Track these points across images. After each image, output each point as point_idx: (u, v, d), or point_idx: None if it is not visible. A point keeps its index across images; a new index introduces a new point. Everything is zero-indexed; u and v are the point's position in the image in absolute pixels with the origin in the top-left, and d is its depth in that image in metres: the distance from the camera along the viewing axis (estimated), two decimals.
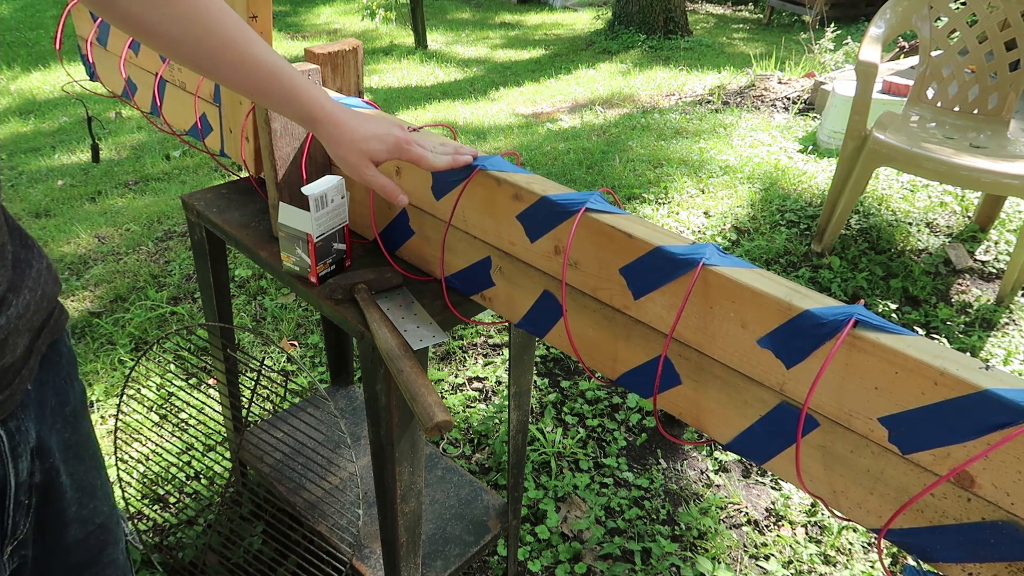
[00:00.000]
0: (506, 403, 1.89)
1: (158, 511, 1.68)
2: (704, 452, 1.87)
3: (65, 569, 0.73)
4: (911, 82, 3.03)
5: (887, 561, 1.57)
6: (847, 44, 5.10)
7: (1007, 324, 2.27)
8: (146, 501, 1.69)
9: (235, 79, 0.76)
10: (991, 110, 2.66)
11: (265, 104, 0.81)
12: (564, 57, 7.13)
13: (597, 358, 0.83)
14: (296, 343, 2.28)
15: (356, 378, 1.86)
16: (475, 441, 1.92)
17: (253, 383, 1.26)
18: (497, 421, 1.97)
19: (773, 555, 1.59)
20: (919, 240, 2.71)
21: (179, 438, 1.61)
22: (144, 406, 1.90)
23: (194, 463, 1.77)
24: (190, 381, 2.08)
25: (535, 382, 2.10)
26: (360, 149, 0.81)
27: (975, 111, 2.69)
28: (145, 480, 1.70)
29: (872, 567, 1.56)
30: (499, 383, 2.11)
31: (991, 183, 2.22)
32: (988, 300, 2.38)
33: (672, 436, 1.11)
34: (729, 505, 1.71)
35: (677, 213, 2.96)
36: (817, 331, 0.60)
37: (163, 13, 0.69)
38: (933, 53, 2.70)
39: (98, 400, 2.01)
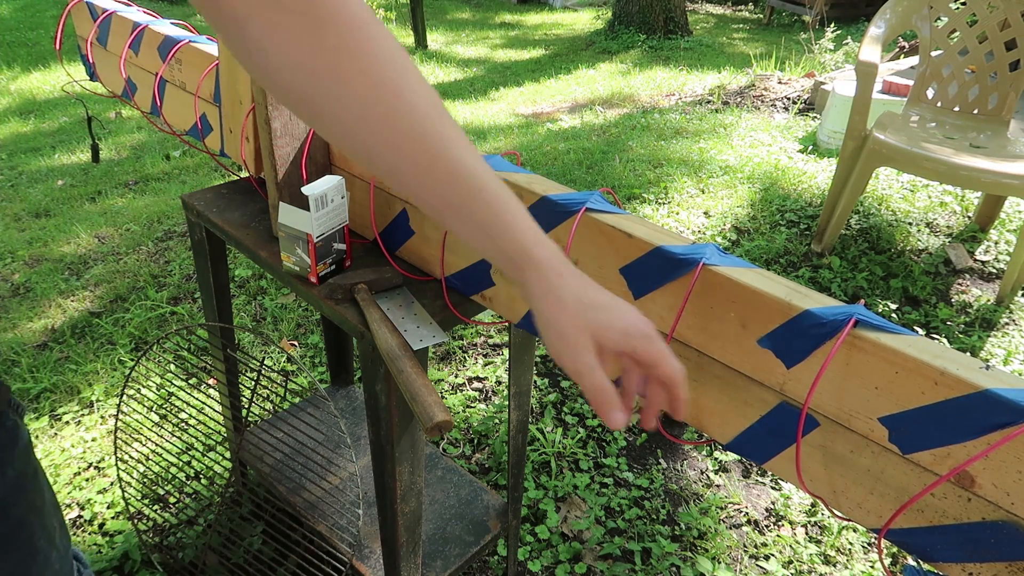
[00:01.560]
0: (506, 403, 1.89)
1: (158, 511, 1.68)
2: (704, 452, 1.86)
3: None
4: (911, 82, 3.03)
5: (887, 561, 1.57)
6: (847, 44, 5.10)
7: (1007, 324, 2.27)
8: (146, 501, 1.69)
9: (419, 185, 0.54)
10: (991, 110, 2.66)
11: (454, 225, 0.56)
12: (564, 57, 7.13)
13: None
14: (296, 343, 2.28)
15: (356, 378, 1.86)
16: (475, 441, 1.92)
17: (253, 383, 1.26)
18: (497, 421, 1.97)
19: (773, 555, 1.59)
20: (919, 240, 2.71)
21: (179, 438, 1.61)
22: (144, 406, 1.90)
23: (194, 463, 1.77)
24: (190, 381, 2.08)
25: (535, 382, 2.10)
26: (587, 319, 0.54)
27: (975, 111, 2.69)
28: (145, 480, 1.70)
29: (872, 567, 1.56)
30: (499, 383, 2.11)
31: (991, 183, 2.22)
32: (988, 300, 2.38)
33: (672, 436, 1.11)
34: (729, 505, 1.71)
35: (677, 213, 2.96)
36: (817, 331, 0.60)
37: (337, 90, 0.50)
38: (933, 53, 2.70)
39: (98, 400, 2.01)
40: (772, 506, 1.71)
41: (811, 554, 1.58)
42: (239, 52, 0.51)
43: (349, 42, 0.50)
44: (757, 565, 1.57)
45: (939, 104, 2.75)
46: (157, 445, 1.43)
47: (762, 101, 4.49)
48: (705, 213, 2.97)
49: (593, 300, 0.55)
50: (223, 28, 0.50)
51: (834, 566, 1.56)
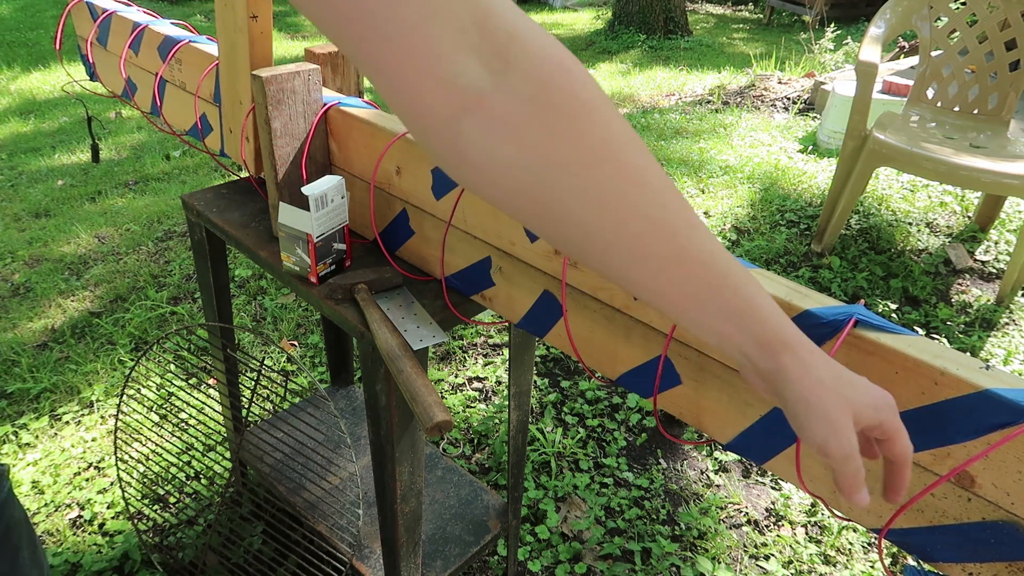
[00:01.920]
0: (506, 403, 1.89)
1: (158, 511, 1.68)
2: (704, 452, 1.86)
3: None
4: (911, 82, 3.03)
5: (887, 561, 1.57)
6: (847, 44, 5.10)
7: (1007, 324, 2.27)
8: (146, 501, 1.69)
9: (666, 280, 0.48)
10: (991, 110, 2.66)
11: (697, 317, 0.50)
12: None
13: (597, 358, 0.83)
14: (296, 343, 2.28)
15: (356, 378, 1.86)
16: (475, 441, 1.92)
17: (253, 383, 1.26)
18: (497, 421, 1.97)
19: (773, 555, 1.59)
20: (919, 240, 2.71)
21: (179, 438, 1.61)
22: (144, 406, 1.90)
23: (194, 463, 1.77)
24: (190, 381, 2.08)
25: (535, 382, 2.10)
26: (846, 397, 0.50)
27: (975, 111, 2.69)
28: (145, 480, 1.70)
29: (872, 567, 1.56)
30: (499, 383, 2.11)
31: (991, 183, 2.22)
32: (988, 300, 2.38)
33: (672, 436, 1.11)
34: (729, 505, 1.71)
35: None
36: (817, 331, 0.60)
37: (576, 184, 0.44)
38: (933, 53, 2.70)
39: (98, 400, 2.01)
40: (772, 506, 1.71)
41: (811, 554, 1.58)
42: (448, 157, 0.44)
43: (588, 127, 0.43)
44: (757, 565, 1.57)
45: (939, 104, 2.75)
46: (157, 445, 1.43)
47: (762, 101, 4.49)
48: (705, 213, 2.97)
49: (844, 377, 0.51)
50: (426, 129, 0.43)
51: (834, 566, 1.56)
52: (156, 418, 1.95)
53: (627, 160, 0.45)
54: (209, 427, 1.46)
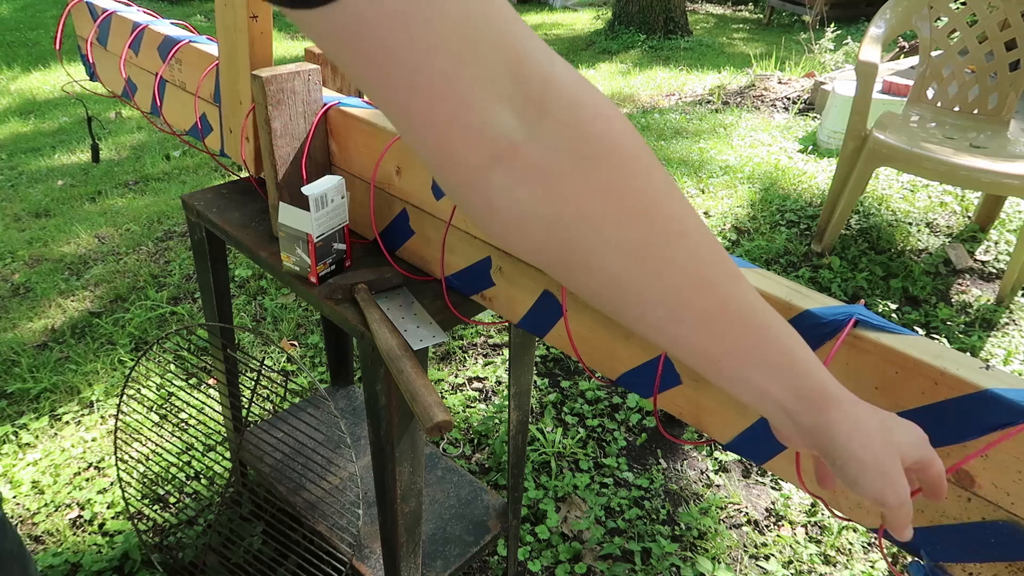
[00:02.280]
0: (506, 403, 1.89)
1: (158, 511, 1.68)
2: (704, 452, 1.86)
3: None
4: (911, 82, 3.03)
5: (888, 558, 1.57)
6: (847, 44, 5.10)
7: (1007, 324, 2.27)
8: (146, 501, 1.69)
9: (705, 334, 0.46)
10: (991, 110, 2.66)
11: (737, 372, 0.48)
12: (564, 57, 7.11)
13: (597, 358, 0.83)
14: (296, 343, 2.28)
15: (356, 378, 1.86)
16: (475, 441, 1.92)
17: (253, 383, 1.26)
18: (497, 421, 1.97)
19: (773, 555, 1.59)
20: (919, 240, 2.71)
21: (179, 438, 1.61)
22: (144, 406, 1.90)
23: (194, 463, 1.77)
24: (190, 381, 2.08)
25: (535, 382, 2.10)
26: (894, 445, 0.49)
27: (975, 111, 2.69)
28: (145, 480, 1.70)
29: (872, 567, 1.56)
30: (499, 383, 2.11)
31: (991, 183, 2.22)
32: (988, 300, 2.38)
33: (672, 436, 1.11)
34: (729, 505, 1.71)
35: None
36: (817, 331, 0.60)
37: (609, 236, 0.42)
38: (933, 53, 2.70)
39: (98, 400, 2.01)
40: (772, 506, 1.71)
41: (811, 554, 1.58)
42: (477, 208, 0.42)
43: (625, 178, 0.41)
44: (757, 565, 1.57)
45: (939, 104, 2.75)
46: (157, 445, 1.43)
47: (762, 101, 4.49)
48: (705, 213, 2.97)
49: (887, 423, 0.50)
50: (455, 179, 0.41)
51: (834, 566, 1.56)
52: (156, 418, 1.95)
53: (666, 212, 0.43)
54: (209, 427, 1.46)
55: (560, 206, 0.41)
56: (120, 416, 1.47)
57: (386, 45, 0.35)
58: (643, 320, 0.46)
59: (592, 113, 0.41)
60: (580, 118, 0.40)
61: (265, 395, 1.83)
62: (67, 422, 1.94)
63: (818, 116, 4.07)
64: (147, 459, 1.57)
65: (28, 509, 1.68)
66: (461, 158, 0.39)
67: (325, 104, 1.04)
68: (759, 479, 1.79)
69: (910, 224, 2.82)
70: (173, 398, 1.97)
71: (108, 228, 3.10)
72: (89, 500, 1.69)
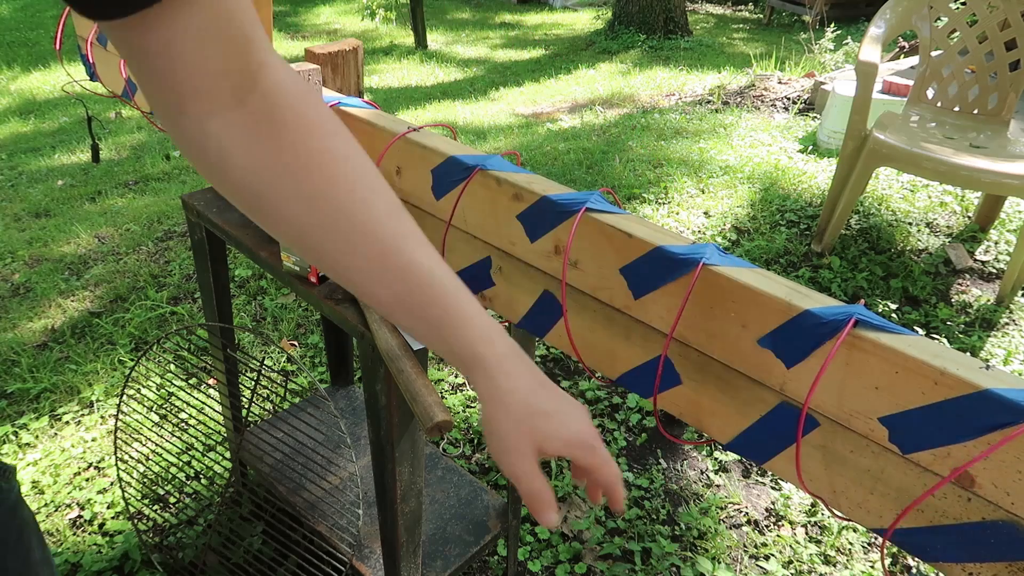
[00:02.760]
0: None
1: (158, 511, 1.68)
2: (704, 452, 1.86)
3: None
4: (911, 82, 3.03)
5: (887, 561, 1.57)
6: (847, 44, 5.10)
7: (1007, 324, 2.27)
8: (146, 501, 1.69)
9: (371, 282, 0.54)
10: (991, 110, 2.66)
11: (404, 321, 0.56)
12: (564, 57, 7.13)
13: (597, 358, 0.83)
14: (296, 343, 2.28)
15: (356, 378, 1.86)
16: (475, 441, 1.92)
17: (253, 383, 1.26)
18: None
19: (773, 555, 1.59)
20: (919, 240, 2.71)
21: (179, 438, 1.61)
22: (144, 406, 1.90)
23: (194, 463, 1.77)
24: (190, 381, 2.08)
25: None
26: (531, 426, 0.54)
27: (975, 111, 2.69)
28: (145, 480, 1.70)
29: (872, 567, 1.56)
30: None
31: (991, 183, 2.22)
32: (988, 300, 2.38)
33: (672, 436, 1.11)
34: (729, 505, 1.71)
35: (677, 213, 2.96)
36: (817, 331, 0.60)
37: (290, 188, 0.51)
38: (933, 53, 2.70)
39: (98, 400, 2.01)
40: (772, 506, 1.71)
41: (811, 554, 1.58)
42: (191, 145, 0.51)
43: (307, 141, 0.52)
44: (757, 565, 1.57)
45: (939, 104, 2.75)
46: (157, 445, 1.43)
47: (762, 101, 4.49)
48: (705, 213, 2.97)
49: (540, 407, 0.54)
50: (177, 117, 0.49)
51: (834, 566, 1.56)
52: (156, 418, 1.95)
53: (340, 172, 0.53)
54: (209, 427, 1.46)
55: (255, 158, 0.51)
56: (120, 416, 1.47)
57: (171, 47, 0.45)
58: (322, 260, 0.54)
59: (290, 92, 0.52)
60: (280, 93, 0.51)
61: (265, 395, 1.83)
62: (67, 422, 1.94)
63: (818, 116, 4.07)
64: (147, 459, 1.57)
65: None
66: (188, 107, 0.48)
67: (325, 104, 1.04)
68: (759, 479, 1.79)
69: (910, 224, 2.82)
70: (173, 398, 1.97)
71: (108, 228, 3.10)
72: (89, 500, 1.69)
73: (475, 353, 0.54)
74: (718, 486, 1.77)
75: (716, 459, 1.84)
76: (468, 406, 2.03)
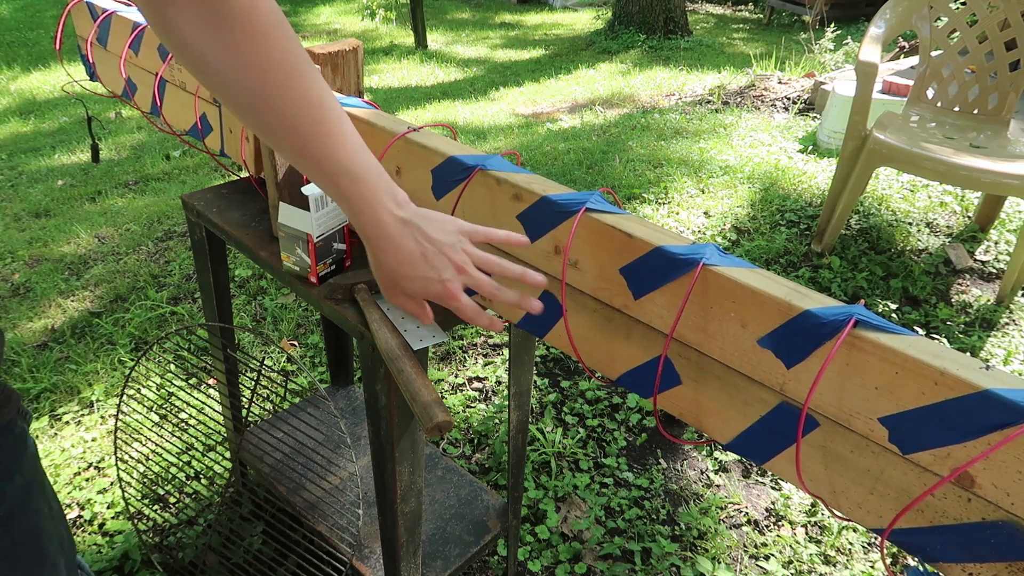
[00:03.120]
0: (506, 403, 1.89)
1: (158, 511, 1.68)
2: (704, 452, 1.86)
3: None
4: (911, 82, 3.03)
5: (887, 561, 1.57)
6: (847, 44, 5.10)
7: (1007, 324, 2.27)
8: (146, 501, 1.69)
9: (291, 116, 0.65)
10: (991, 110, 2.66)
11: (314, 153, 0.67)
12: (564, 57, 7.13)
13: (597, 358, 0.83)
14: (296, 343, 2.28)
15: (356, 378, 1.86)
16: (475, 441, 1.92)
17: (253, 383, 1.26)
18: (497, 421, 1.97)
19: (773, 555, 1.59)
20: (919, 240, 2.71)
21: (179, 438, 1.61)
22: (144, 406, 1.90)
23: (194, 463, 1.77)
24: (190, 381, 2.08)
25: (535, 382, 2.10)
26: (392, 280, 0.71)
27: (975, 111, 2.69)
28: (145, 480, 1.70)
29: (872, 567, 1.56)
30: (499, 383, 2.11)
31: (991, 183, 2.22)
32: (988, 300, 2.38)
33: (672, 436, 1.11)
34: (729, 505, 1.71)
35: (677, 213, 2.96)
36: (817, 331, 0.60)
37: (240, 60, 0.61)
38: (933, 53, 2.70)
39: (98, 400, 2.01)
40: (772, 506, 1.71)
41: (811, 554, 1.58)
42: (155, 26, 0.62)
43: (251, 27, 0.61)
44: (757, 565, 1.57)
45: (939, 104, 2.75)
46: (157, 445, 1.43)
47: (762, 101, 4.49)
48: (705, 213, 2.97)
49: (408, 258, 0.71)
50: (149, 6, 0.60)
51: (834, 566, 1.56)
52: (156, 418, 1.95)
53: (279, 46, 0.63)
54: (209, 427, 1.46)
55: (210, 40, 0.60)
56: (120, 416, 1.47)
57: None
58: (265, 122, 0.65)
59: None
60: None
61: (265, 395, 1.83)
62: (67, 422, 1.94)
63: (818, 116, 4.07)
64: (147, 459, 1.57)
65: None
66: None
67: None
68: (759, 479, 1.79)
69: (910, 224, 2.82)
70: (173, 398, 1.97)
71: (108, 228, 3.10)
72: (89, 500, 1.69)
73: (345, 168, 0.69)
74: (718, 486, 1.77)
75: (716, 459, 1.84)
76: (468, 406, 2.03)
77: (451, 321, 0.97)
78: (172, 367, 2.15)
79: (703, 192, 3.16)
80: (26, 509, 0.68)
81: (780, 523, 1.67)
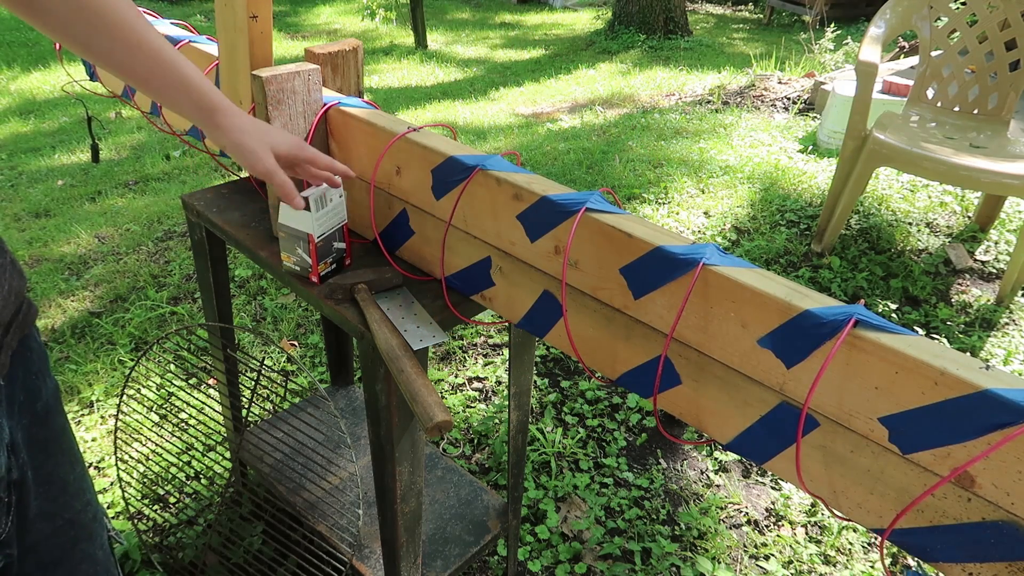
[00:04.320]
0: (506, 403, 1.89)
1: (158, 511, 1.68)
2: (704, 452, 1.86)
3: (38, 567, 0.73)
4: (911, 82, 3.03)
5: (887, 561, 1.57)
6: (847, 44, 5.10)
7: (1007, 324, 2.27)
8: (146, 501, 1.69)
9: (129, 64, 0.75)
10: (991, 110, 2.66)
11: (158, 93, 0.79)
12: (564, 57, 7.13)
13: (597, 358, 0.83)
14: (296, 343, 2.28)
15: (356, 378, 1.86)
16: (475, 441, 1.92)
17: (253, 383, 1.26)
18: (497, 421, 1.97)
19: (773, 555, 1.59)
20: (919, 240, 2.71)
21: (179, 438, 1.61)
22: (144, 406, 1.90)
23: (194, 463, 1.77)
24: (190, 381, 2.08)
25: (535, 382, 2.10)
26: (264, 140, 0.83)
27: (975, 111, 2.69)
28: (145, 480, 1.70)
29: (872, 567, 1.56)
30: (499, 383, 2.11)
31: (991, 183, 2.22)
32: (988, 300, 2.38)
33: (672, 436, 1.11)
34: (729, 505, 1.71)
35: (677, 213, 2.96)
36: (817, 331, 0.60)
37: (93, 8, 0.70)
38: (933, 53, 2.70)
39: (98, 400, 2.01)
40: (772, 506, 1.71)
41: (811, 554, 1.58)
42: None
43: None
44: (757, 565, 1.57)
45: (939, 104, 2.75)
46: (157, 445, 1.43)
47: (762, 101, 4.49)
48: (705, 213, 2.97)
49: (266, 128, 0.85)
50: None
51: (834, 566, 1.56)
52: (156, 418, 1.95)
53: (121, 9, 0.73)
54: (209, 427, 1.46)
55: None
56: (120, 416, 1.47)
57: None
58: (92, 51, 0.73)
59: None
60: None
61: (265, 395, 1.83)
62: None
63: (818, 116, 4.07)
64: (147, 459, 1.57)
65: None
66: None
67: (325, 104, 1.04)
68: (759, 479, 1.79)
69: (910, 224, 2.82)
70: (173, 398, 1.97)
71: (108, 228, 3.10)
72: None
73: (215, 103, 0.81)
74: (718, 486, 1.77)
75: (716, 459, 1.84)
76: (468, 406, 2.03)
77: (451, 321, 0.97)
78: (172, 367, 2.15)
79: (703, 192, 3.16)
80: (58, 409, 0.74)
81: (780, 523, 1.67)
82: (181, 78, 0.78)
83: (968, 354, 0.77)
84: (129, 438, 1.53)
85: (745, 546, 1.61)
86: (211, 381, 2.03)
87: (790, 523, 1.67)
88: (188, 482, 1.75)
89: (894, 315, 2.30)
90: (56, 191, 3.62)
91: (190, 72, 0.78)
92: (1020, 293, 2.38)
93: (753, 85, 4.77)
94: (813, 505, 1.70)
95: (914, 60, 4.06)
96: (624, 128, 4.17)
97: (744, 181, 3.22)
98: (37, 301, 2.52)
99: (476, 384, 2.12)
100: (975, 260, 2.61)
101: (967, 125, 2.64)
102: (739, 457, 1.86)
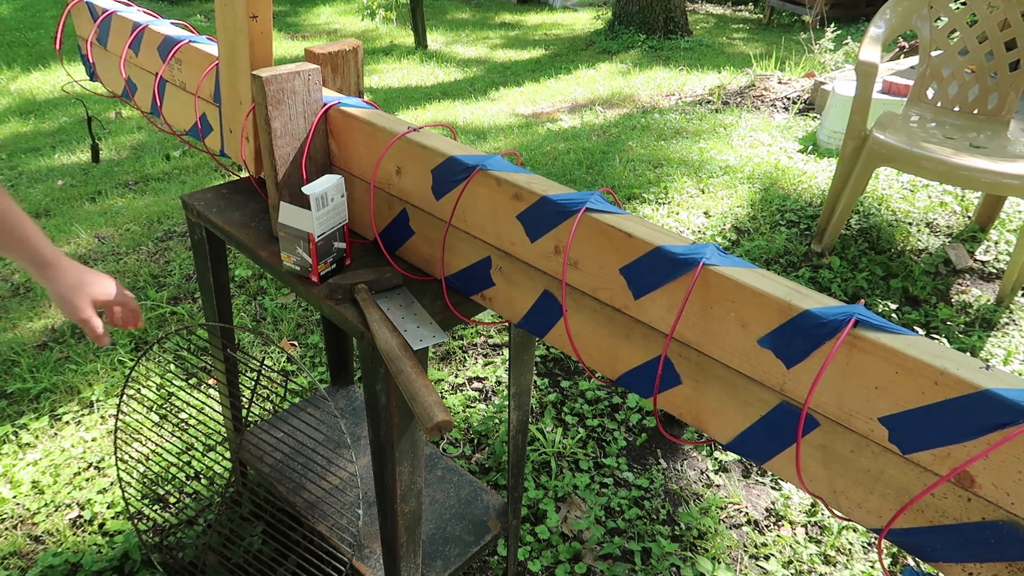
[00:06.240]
0: (506, 403, 1.89)
1: (158, 511, 1.68)
2: (704, 452, 1.86)
3: None
4: (911, 82, 3.03)
5: (887, 561, 1.57)
6: (847, 44, 5.10)
7: (1007, 324, 2.27)
8: (146, 501, 1.69)
9: None
10: (991, 110, 2.66)
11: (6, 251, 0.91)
12: (564, 57, 7.13)
13: (597, 358, 0.83)
14: (296, 343, 2.28)
15: (356, 378, 1.86)
16: (475, 441, 1.92)
17: (253, 383, 1.26)
18: (497, 421, 1.97)
19: (773, 555, 1.59)
20: (919, 240, 2.71)
21: (179, 438, 1.61)
22: (144, 406, 1.90)
23: (194, 463, 1.77)
24: (190, 381, 2.08)
25: (535, 382, 2.10)
26: (84, 292, 0.98)
27: (975, 111, 2.69)
28: (145, 480, 1.70)
29: (872, 567, 1.56)
30: (499, 383, 2.11)
31: (991, 183, 2.22)
32: (988, 300, 2.38)
33: (672, 436, 1.11)
34: (729, 505, 1.71)
35: (677, 213, 2.96)
36: (817, 331, 0.60)
37: None
38: (933, 53, 2.70)
39: (98, 400, 2.01)
40: (772, 506, 1.71)
41: (811, 554, 1.58)
42: None
43: None
44: (757, 565, 1.57)
45: (939, 104, 2.75)
46: (157, 445, 1.43)
47: (762, 101, 4.49)
48: (705, 213, 2.97)
49: (86, 279, 0.98)
50: None
51: (834, 566, 1.56)
52: (156, 418, 1.95)
53: None
54: (209, 427, 1.46)
55: None
56: (120, 416, 1.47)
57: None
58: None
59: None
60: None
61: (265, 395, 1.83)
62: (67, 422, 1.94)
63: (818, 116, 4.07)
64: (147, 459, 1.57)
65: (28, 509, 1.68)
66: None
67: (325, 104, 1.04)
68: (759, 479, 1.79)
69: (910, 224, 2.82)
70: (173, 398, 1.97)
71: (108, 228, 3.10)
72: (89, 500, 1.69)
73: (49, 259, 0.94)
74: (718, 486, 1.77)
75: (716, 459, 1.84)
76: (468, 406, 2.03)
77: (451, 321, 0.97)
78: (172, 367, 2.15)
79: (703, 192, 3.16)
80: None
81: (780, 523, 1.67)
82: (21, 235, 0.91)
83: (968, 354, 0.77)
84: (129, 438, 1.53)
85: (745, 546, 1.61)
86: (211, 381, 2.03)
87: (790, 523, 1.67)
88: (188, 482, 1.75)
89: (894, 315, 2.30)
90: (56, 191, 3.62)
91: (30, 231, 0.91)
92: (1020, 293, 2.38)
93: (753, 85, 4.77)
94: (813, 505, 1.70)
95: (914, 60, 4.06)
96: (624, 128, 4.18)
97: (744, 181, 3.22)
98: (37, 301, 2.52)
99: (476, 384, 2.12)
100: (975, 260, 2.61)
101: (967, 125, 2.64)
102: (739, 457, 1.86)
